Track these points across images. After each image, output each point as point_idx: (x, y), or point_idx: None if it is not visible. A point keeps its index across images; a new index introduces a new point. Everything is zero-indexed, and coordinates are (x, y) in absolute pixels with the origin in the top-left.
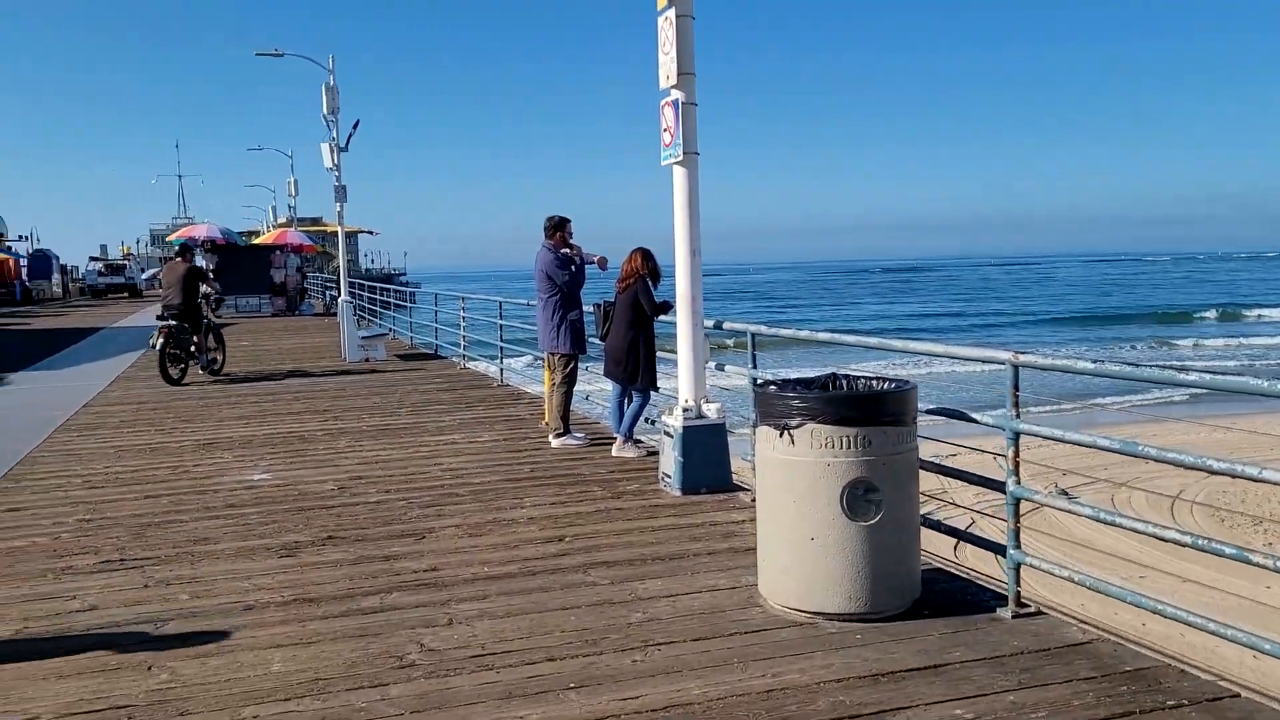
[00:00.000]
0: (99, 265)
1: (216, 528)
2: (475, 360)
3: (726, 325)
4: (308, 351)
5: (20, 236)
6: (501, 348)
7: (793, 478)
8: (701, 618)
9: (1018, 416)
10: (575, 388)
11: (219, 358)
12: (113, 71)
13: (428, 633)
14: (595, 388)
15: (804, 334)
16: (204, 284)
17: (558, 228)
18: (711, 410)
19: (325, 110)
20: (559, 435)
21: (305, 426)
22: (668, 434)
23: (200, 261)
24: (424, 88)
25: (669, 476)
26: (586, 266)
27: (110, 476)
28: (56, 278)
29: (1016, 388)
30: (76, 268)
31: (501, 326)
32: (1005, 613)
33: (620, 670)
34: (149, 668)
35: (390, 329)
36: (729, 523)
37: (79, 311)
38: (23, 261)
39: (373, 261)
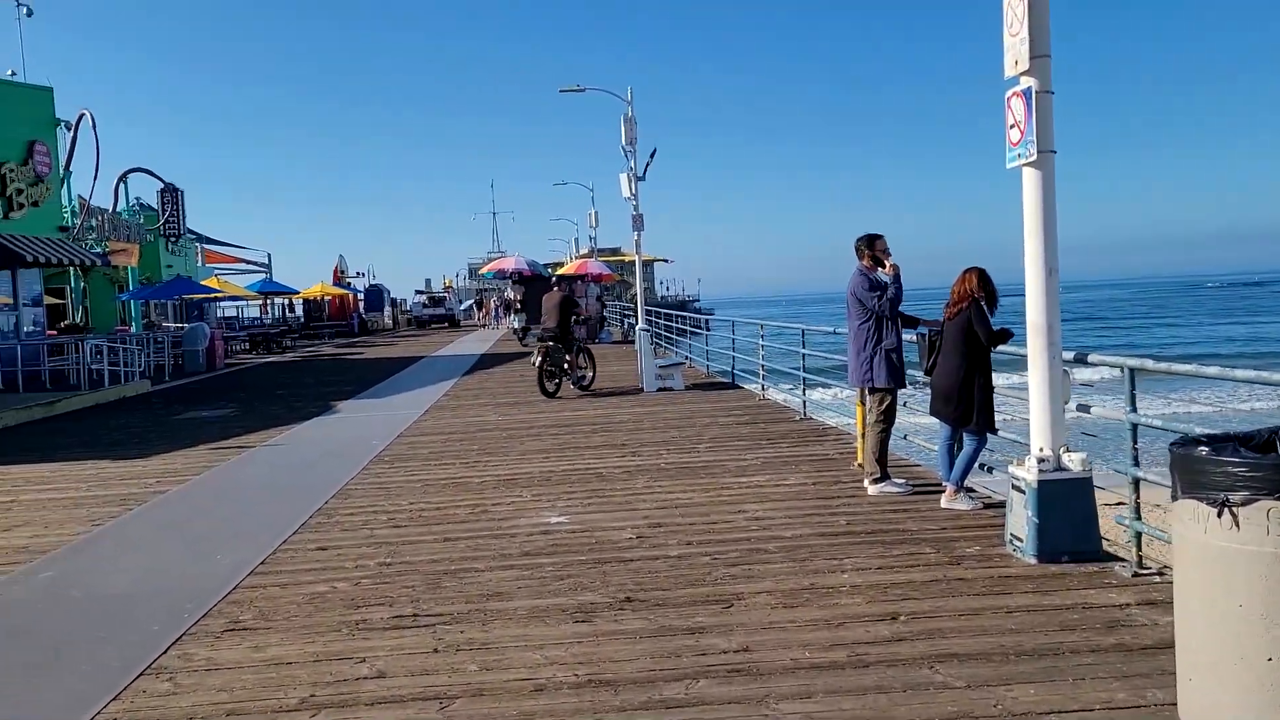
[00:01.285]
0: (423, 298)
1: (511, 580)
2: (774, 390)
3: (1094, 358)
4: (605, 380)
5: (358, 273)
6: (804, 378)
7: (1239, 571)
8: None
9: None
10: (893, 426)
11: (589, 374)
12: (439, 114)
13: None
14: (913, 421)
15: (1212, 370)
16: (576, 311)
17: (868, 245)
18: (1074, 461)
19: (624, 141)
20: (876, 481)
21: (604, 463)
22: (1018, 489)
23: (509, 294)
24: (712, 114)
25: (1020, 540)
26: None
27: (414, 514)
28: (388, 310)
29: None
30: (404, 300)
31: (804, 355)
32: None
33: None
34: None
35: (687, 357)
36: (1108, 606)
37: (405, 341)
38: (360, 296)
39: (667, 289)
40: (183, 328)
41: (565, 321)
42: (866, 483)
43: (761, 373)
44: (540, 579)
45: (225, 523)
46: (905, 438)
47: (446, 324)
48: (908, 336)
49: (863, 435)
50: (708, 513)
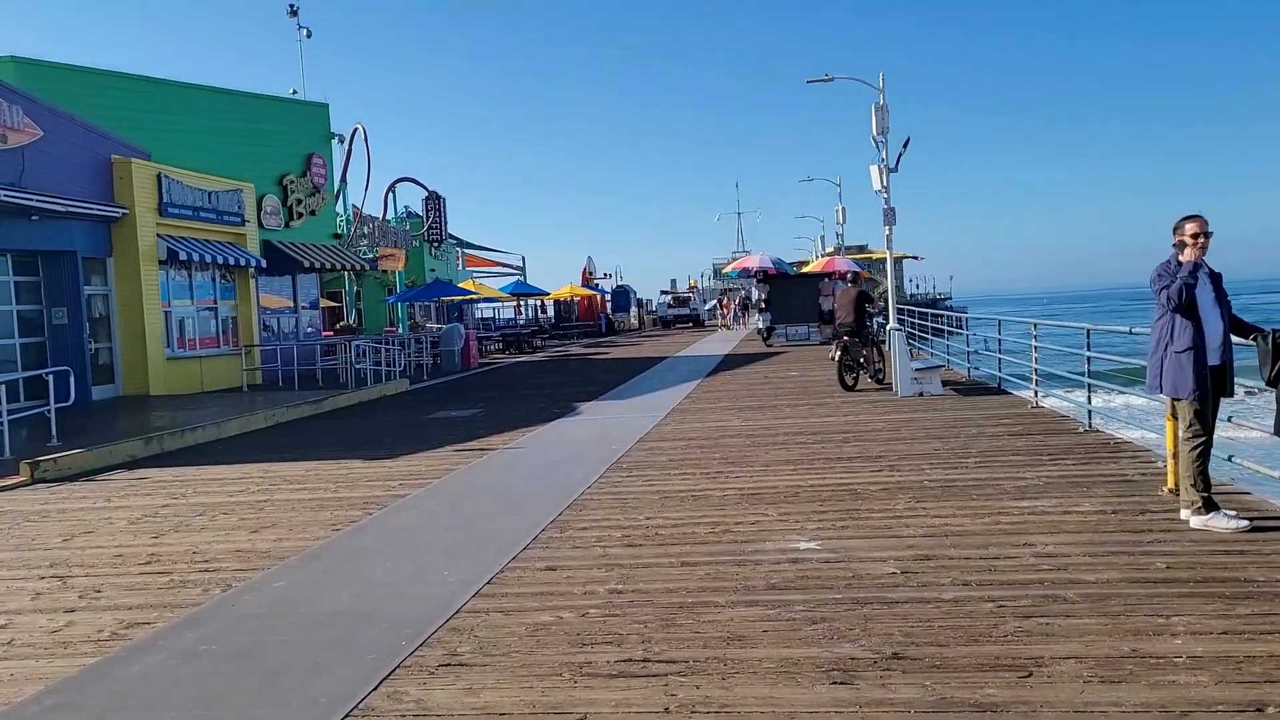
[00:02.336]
0: (668, 298)
1: (755, 621)
2: (1049, 398)
3: None
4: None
5: (605, 274)
6: (1090, 384)
7: None
8: None
9: None
10: (1210, 443)
11: (883, 368)
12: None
13: None
14: (1234, 435)
15: None
16: (870, 306)
17: (1175, 229)
18: None
19: (875, 131)
20: (1199, 511)
21: (857, 478)
22: None
23: (755, 294)
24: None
25: None
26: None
27: (650, 532)
28: (633, 310)
29: None
30: (650, 300)
31: (1089, 358)
32: None
33: None
34: None
35: (946, 359)
36: None
37: (650, 341)
38: (607, 297)
39: (917, 286)
40: (441, 329)
41: (861, 316)
42: (1186, 514)
43: (1034, 377)
44: (789, 621)
45: (457, 532)
46: (1230, 459)
47: (691, 324)
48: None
49: (1174, 455)
50: (985, 544)
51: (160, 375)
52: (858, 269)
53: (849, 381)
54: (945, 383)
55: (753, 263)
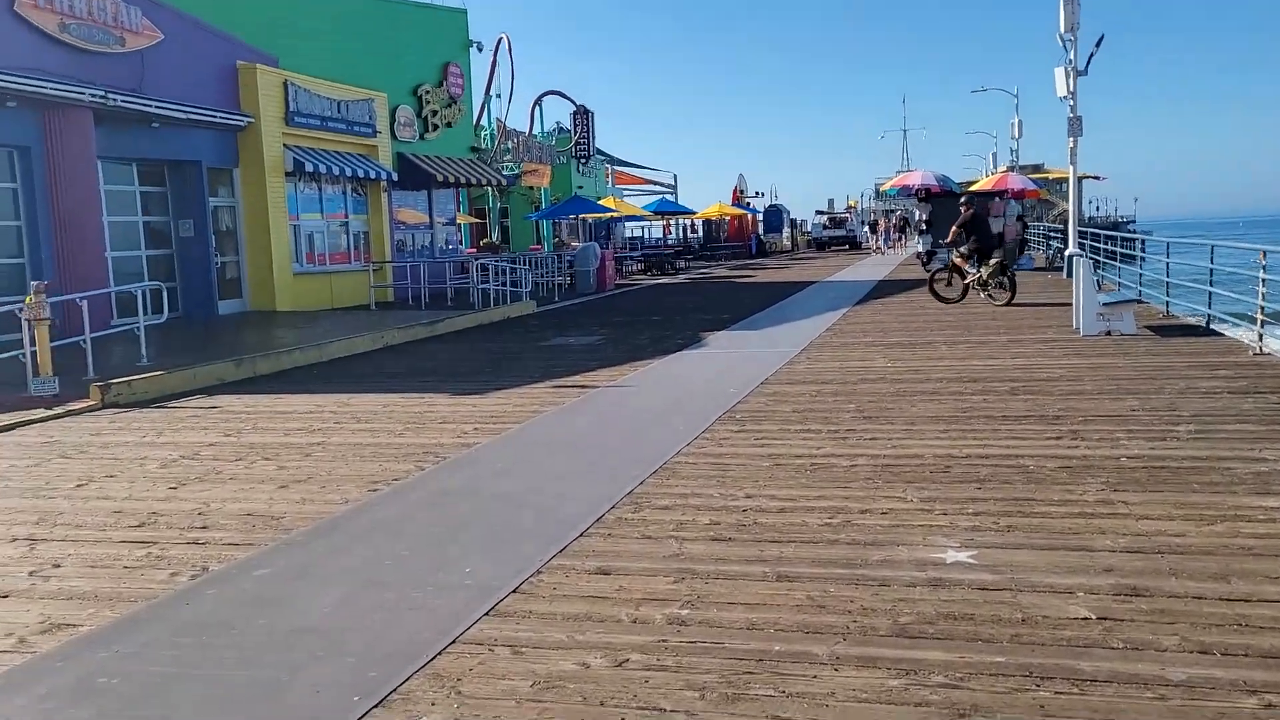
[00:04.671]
0: (823, 219)
1: (868, 698)
2: (1274, 340)
3: None
4: (1026, 317)
5: (757, 193)
6: None
7: None
8: None
9: None
10: None
11: (1005, 294)
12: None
13: None
14: None
15: None
16: (981, 229)
17: None
18: None
19: (1061, 28)
20: None
21: (1028, 446)
22: None
23: (916, 214)
24: None
25: None
26: None
27: (746, 519)
28: (786, 231)
29: None
30: (805, 221)
31: None
32: None
33: None
34: None
35: (1138, 291)
36: None
37: (800, 264)
38: (759, 216)
39: (1097, 208)
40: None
41: (973, 238)
42: None
43: (1260, 316)
44: (923, 701)
45: (506, 505)
46: None
47: (847, 246)
48: None
49: None
50: (1223, 573)
51: (287, 291)
52: (1033, 186)
53: (943, 293)
54: (1139, 319)
55: (914, 179)
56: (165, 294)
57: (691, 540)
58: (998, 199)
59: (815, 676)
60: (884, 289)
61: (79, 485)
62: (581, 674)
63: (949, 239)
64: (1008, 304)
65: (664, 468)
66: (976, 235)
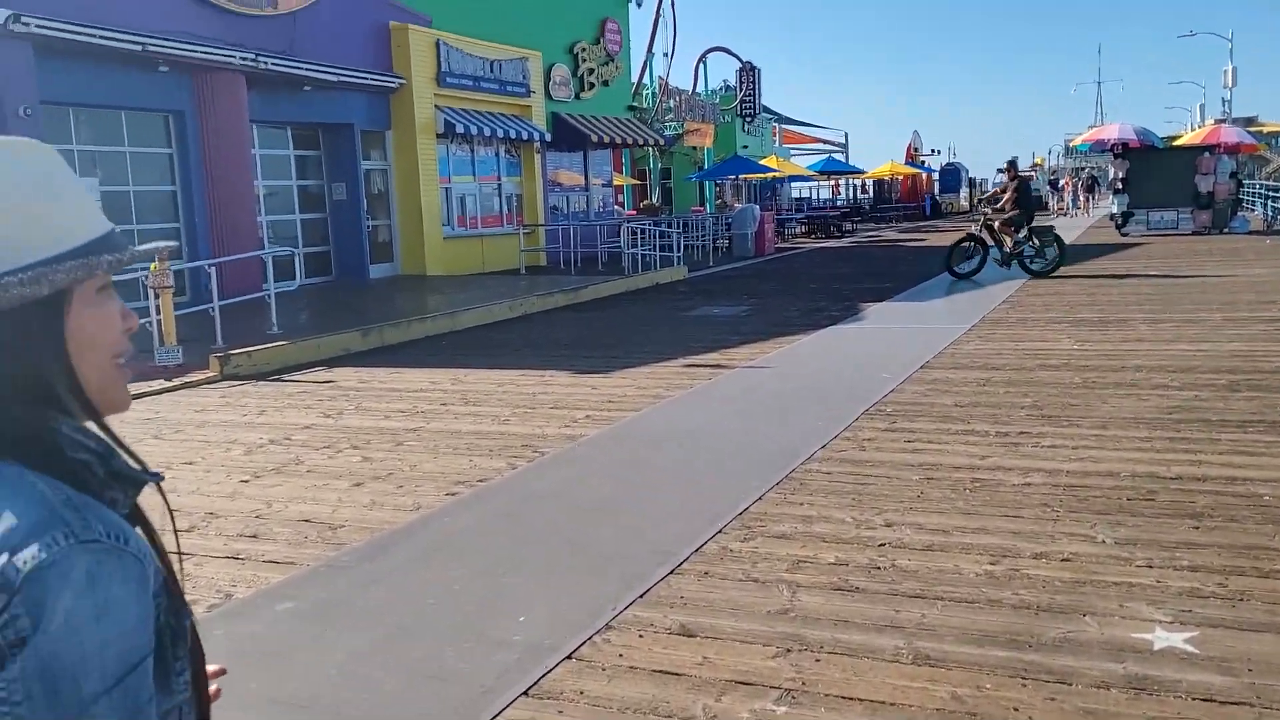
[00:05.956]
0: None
1: None
2: None
3: None
4: (1243, 290)
5: (932, 150)
6: None
7: None
8: None
9: None
10: None
11: (1048, 260)
12: None
13: None
14: None
15: None
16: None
17: None
18: None
19: None
20: None
21: (1261, 469)
22: None
23: (1110, 171)
24: None
25: None
26: None
27: (881, 559)
28: (964, 191)
29: None
30: (985, 181)
31: None
32: None
33: None
34: None
35: None
36: None
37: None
38: (934, 176)
39: None
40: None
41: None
42: None
43: None
44: None
45: (592, 522)
46: None
47: None
48: None
49: None
50: None
51: (437, 254)
52: (1250, 139)
53: (957, 267)
54: None
55: (1110, 133)
56: (298, 260)
57: (808, 588)
58: (1207, 154)
59: None
60: (1071, 255)
61: None
62: None
63: (1003, 206)
64: (1049, 273)
65: (791, 476)
66: (1022, 204)
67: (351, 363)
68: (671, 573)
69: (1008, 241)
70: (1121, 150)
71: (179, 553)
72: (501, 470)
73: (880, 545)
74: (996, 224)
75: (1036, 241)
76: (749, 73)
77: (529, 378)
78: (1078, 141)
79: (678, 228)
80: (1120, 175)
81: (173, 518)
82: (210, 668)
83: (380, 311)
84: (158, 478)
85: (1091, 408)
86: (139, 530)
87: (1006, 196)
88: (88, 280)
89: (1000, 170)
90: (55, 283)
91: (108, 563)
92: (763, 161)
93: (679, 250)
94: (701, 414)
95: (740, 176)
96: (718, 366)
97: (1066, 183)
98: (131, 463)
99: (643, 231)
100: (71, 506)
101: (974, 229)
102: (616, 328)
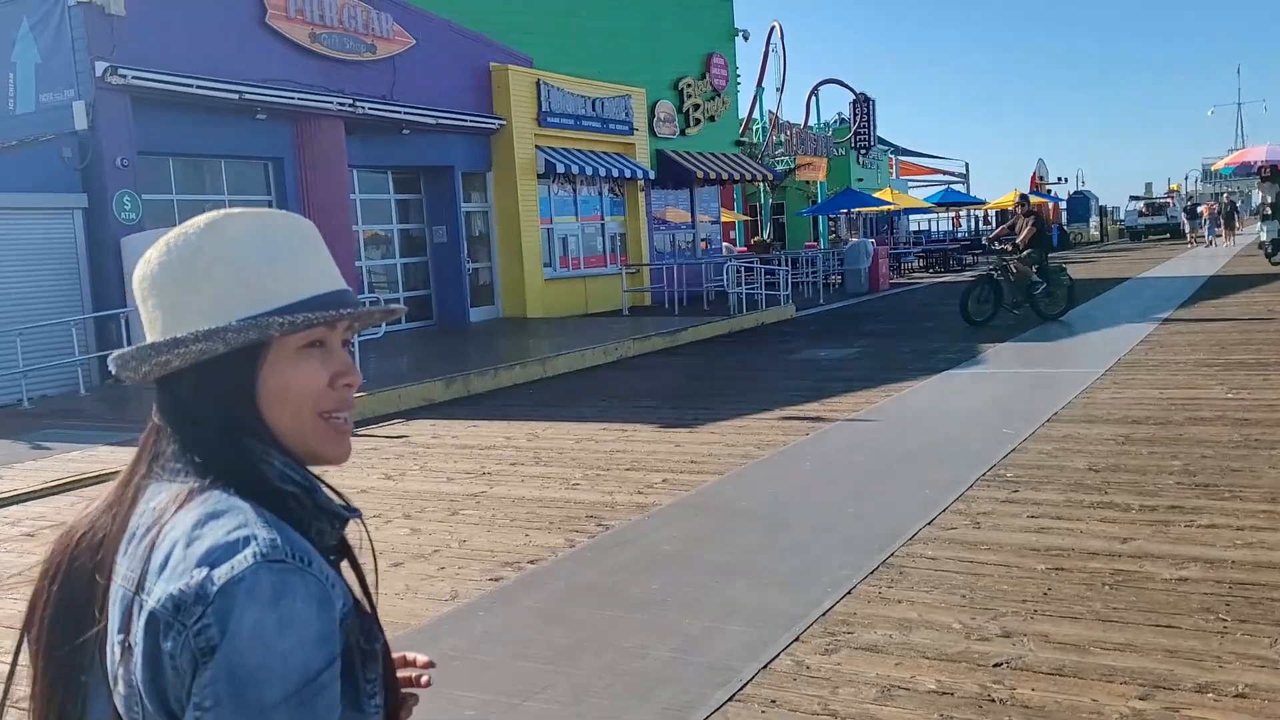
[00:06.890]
0: (1138, 205)
1: None
2: None
3: None
4: None
5: (1059, 179)
6: None
7: None
8: None
9: None
10: None
11: (1058, 305)
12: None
13: None
14: None
15: None
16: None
17: None
18: None
19: None
20: None
21: None
22: None
23: (1257, 196)
24: None
25: None
26: None
27: (983, 689)
28: (1094, 220)
29: None
30: (1117, 209)
31: None
32: None
33: None
34: None
35: None
36: None
37: (1109, 257)
38: (1061, 204)
39: None
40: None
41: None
42: None
43: None
44: None
45: (640, 626)
46: None
47: (1167, 235)
48: None
49: None
50: None
51: (539, 296)
52: None
53: (973, 314)
54: None
55: (1257, 154)
56: (391, 300)
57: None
58: None
59: None
60: (1214, 287)
61: None
62: None
63: (1020, 240)
64: (1061, 316)
65: (889, 562)
66: (1039, 240)
67: (431, 414)
68: (731, 699)
69: (1025, 279)
70: (1270, 173)
71: (376, 583)
72: (557, 549)
73: (995, 666)
74: (1013, 264)
75: (1048, 281)
76: (863, 104)
77: (609, 432)
78: (1220, 165)
79: (785, 264)
80: (1269, 199)
81: (374, 549)
82: (420, 658)
83: (471, 358)
84: (357, 514)
85: (1257, 473)
86: (345, 560)
87: (1025, 233)
88: (283, 337)
89: (1019, 209)
90: (230, 341)
91: (292, 581)
92: (877, 194)
93: (786, 288)
94: (791, 479)
95: (854, 210)
96: (817, 419)
97: (1205, 209)
98: (334, 498)
99: (749, 269)
100: (267, 529)
101: (991, 271)
102: (712, 373)
